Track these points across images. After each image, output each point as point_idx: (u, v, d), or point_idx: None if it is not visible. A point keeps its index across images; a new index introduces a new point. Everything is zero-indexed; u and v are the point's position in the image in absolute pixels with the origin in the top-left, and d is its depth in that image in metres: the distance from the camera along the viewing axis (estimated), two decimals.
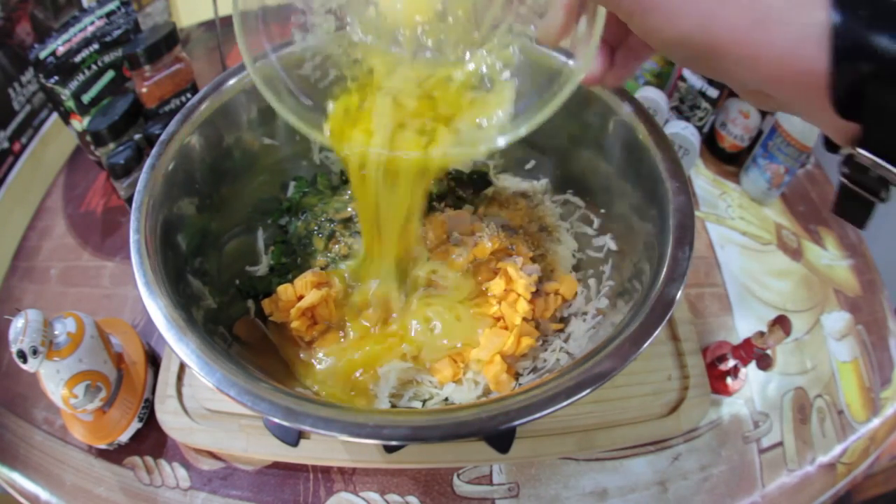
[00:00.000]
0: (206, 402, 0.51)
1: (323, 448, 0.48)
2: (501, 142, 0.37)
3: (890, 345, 0.62)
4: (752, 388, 0.57)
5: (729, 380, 0.55)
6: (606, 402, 0.51)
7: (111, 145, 0.61)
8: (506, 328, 0.49)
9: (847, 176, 0.28)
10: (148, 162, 0.45)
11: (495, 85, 0.39)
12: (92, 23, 0.63)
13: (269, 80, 0.37)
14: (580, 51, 0.34)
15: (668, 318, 0.38)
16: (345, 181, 0.61)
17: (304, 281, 0.49)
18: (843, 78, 0.25)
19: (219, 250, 0.50)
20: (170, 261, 0.42)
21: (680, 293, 0.39)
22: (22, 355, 0.42)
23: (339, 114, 0.39)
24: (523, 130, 0.36)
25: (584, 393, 0.34)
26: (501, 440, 0.47)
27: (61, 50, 0.60)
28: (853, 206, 0.29)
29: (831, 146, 0.29)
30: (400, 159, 0.38)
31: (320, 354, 0.48)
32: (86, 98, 0.62)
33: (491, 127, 0.38)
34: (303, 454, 0.48)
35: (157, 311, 0.37)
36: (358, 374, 0.47)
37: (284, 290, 0.49)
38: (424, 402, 0.47)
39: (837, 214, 0.31)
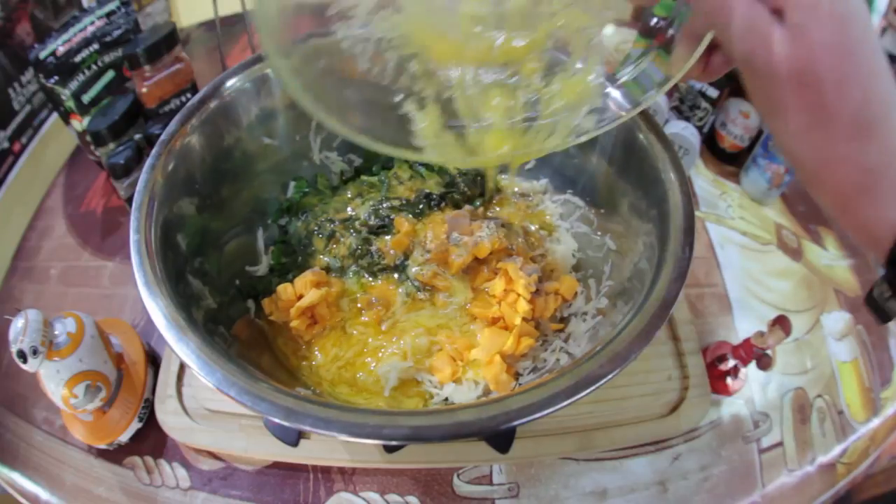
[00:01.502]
0: (206, 402, 0.51)
1: (323, 448, 0.48)
2: (597, 131, 0.36)
3: (890, 345, 0.62)
4: (752, 388, 0.57)
5: (729, 380, 0.55)
6: (606, 402, 0.51)
7: (111, 145, 0.61)
8: (506, 328, 0.49)
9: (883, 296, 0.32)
10: (148, 162, 0.45)
11: (573, 68, 0.37)
12: (92, 23, 0.63)
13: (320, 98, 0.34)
14: (681, 52, 0.34)
15: (668, 318, 0.38)
16: (345, 181, 0.61)
17: (303, 280, 0.49)
18: None
19: (219, 250, 0.50)
20: (170, 261, 0.42)
21: (680, 293, 0.39)
22: (22, 355, 0.42)
23: (432, 128, 0.37)
24: (619, 119, 0.36)
25: (584, 393, 0.34)
26: (501, 440, 0.47)
27: (61, 50, 0.60)
28: (878, 311, 0.32)
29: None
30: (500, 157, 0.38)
31: (320, 353, 0.49)
32: (86, 98, 0.62)
33: (581, 116, 0.37)
34: (303, 454, 0.48)
35: (157, 311, 0.37)
36: (361, 376, 0.48)
37: (284, 290, 0.49)
38: (424, 402, 0.47)
39: (867, 305, 0.34)
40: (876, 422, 0.57)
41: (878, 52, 0.27)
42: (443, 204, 0.56)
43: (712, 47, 0.33)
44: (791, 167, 0.33)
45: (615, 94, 0.40)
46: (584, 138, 0.37)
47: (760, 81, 0.29)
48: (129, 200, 0.60)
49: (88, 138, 0.61)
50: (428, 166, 0.61)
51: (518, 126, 0.38)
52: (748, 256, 0.67)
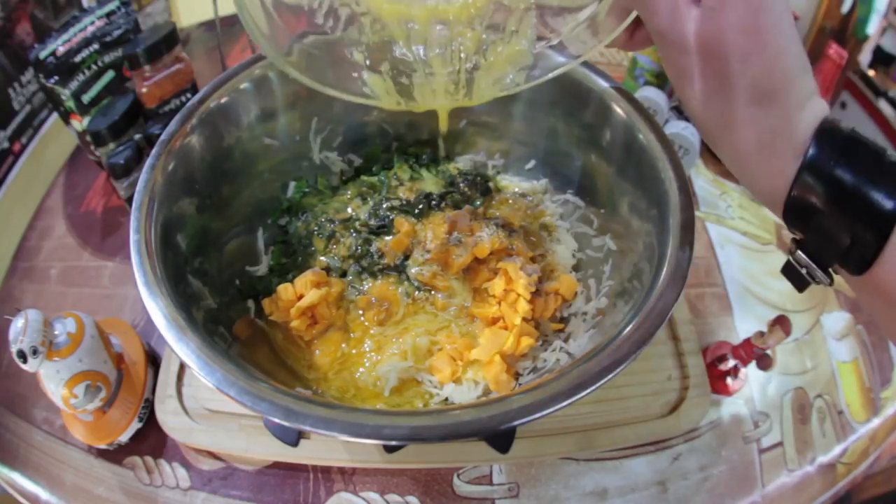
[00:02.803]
0: (206, 402, 0.51)
1: (323, 448, 0.48)
2: (536, 80, 0.42)
3: (890, 345, 0.62)
4: (752, 388, 0.57)
5: (729, 380, 0.55)
6: (606, 402, 0.51)
7: (111, 145, 0.61)
8: (506, 328, 0.49)
9: (792, 254, 0.34)
10: (148, 162, 0.45)
11: (511, 30, 0.42)
12: (92, 23, 0.63)
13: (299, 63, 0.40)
14: (609, 24, 0.38)
15: (667, 318, 0.38)
16: (345, 181, 0.61)
17: (304, 280, 0.49)
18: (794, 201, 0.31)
19: (219, 250, 0.50)
20: (170, 261, 0.42)
21: (680, 293, 0.39)
22: (22, 355, 0.42)
23: (382, 83, 0.43)
24: (550, 75, 0.42)
25: (584, 393, 0.34)
26: (501, 440, 0.47)
27: (61, 50, 0.60)
28: (794, 276, 0.35)
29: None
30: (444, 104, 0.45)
31: (320, 353, 0.49)
32: (86, 98, 0.62)
33: (520, 69, 0.43)
34: (303, 454, 0.48)
35: (157, 311, 0.37)
36: (360, 375, 0.48)
37: (284, 290, 0.49)
38: (424, 402, 0.47)
39: (783, 274, 0.36)
40: (876, 422, 0.57)
41: (789, 31, 0.30)
42: (443, 204, 0.56)
43: (638, 23, 0.36)
44: (700, 130, 0.36)
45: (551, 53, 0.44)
46: (518, 89, 0.43)
47: (672, 52, 0.33)
48: (129, 200, 0.60)
49: (88, 138, 0.61)
50: (427, 166, 0.61)
51: (457, 77, 0.44)
52: (748, 256, 0.67)
